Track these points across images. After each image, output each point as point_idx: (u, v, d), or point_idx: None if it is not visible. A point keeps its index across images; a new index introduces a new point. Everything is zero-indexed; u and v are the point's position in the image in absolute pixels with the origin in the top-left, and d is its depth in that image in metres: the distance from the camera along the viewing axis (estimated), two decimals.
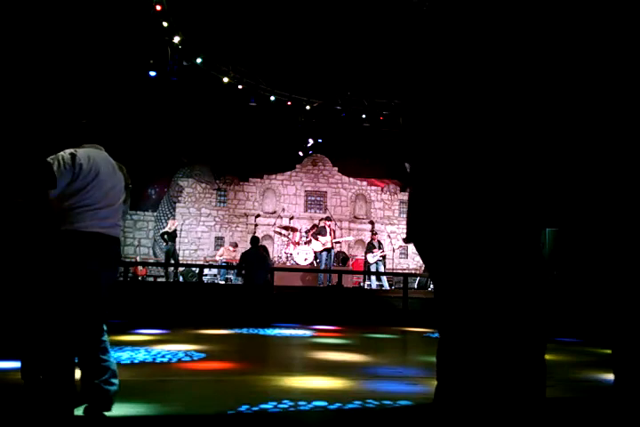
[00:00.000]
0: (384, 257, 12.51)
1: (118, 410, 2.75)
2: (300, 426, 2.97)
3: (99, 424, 2.65)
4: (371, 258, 12.13)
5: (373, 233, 12.88)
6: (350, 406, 3.19)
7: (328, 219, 12.64)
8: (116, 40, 9.71)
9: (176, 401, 3.20)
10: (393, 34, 10.23)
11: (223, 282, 12.39)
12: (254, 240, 9.30)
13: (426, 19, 1.42)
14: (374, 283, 12.11)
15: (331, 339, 6.88)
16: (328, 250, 11.75)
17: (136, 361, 4.46)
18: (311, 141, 15.26)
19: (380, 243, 12.51)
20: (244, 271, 8.90)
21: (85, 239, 2.58)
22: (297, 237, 12.85)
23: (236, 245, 13.52)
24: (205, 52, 12.53)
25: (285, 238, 14.41)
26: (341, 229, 15.59)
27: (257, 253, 8.95)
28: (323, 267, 11.71)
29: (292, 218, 15.38)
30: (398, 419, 3.08)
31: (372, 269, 12.15)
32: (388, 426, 2.99)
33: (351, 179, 16.64)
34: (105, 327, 2.76)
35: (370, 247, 12.38)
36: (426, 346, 6.60)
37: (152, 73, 11.12)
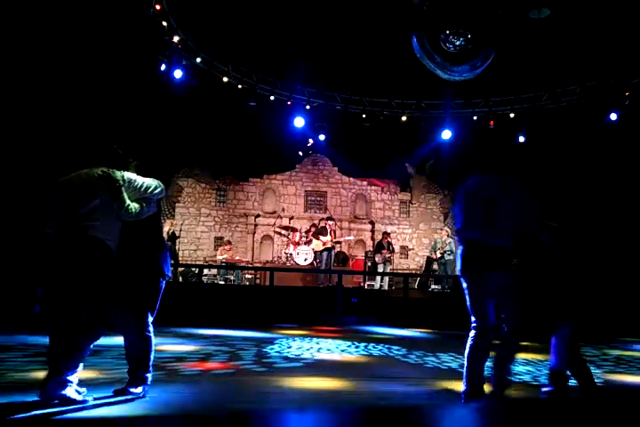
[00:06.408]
0: (390, 258, 12.65)
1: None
2: (301, 426, 2.96)
3: (98, 424, 2.64)
4: (379, 258, 12.33)
5: (386, 233, 13.03)
6: (350, 406, 3.18)
7: (329, 219, 12.66)
8: (114, 41, 9.67)
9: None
10: (394, 34, 10.20)
11: (223, 282, 12.37)
12: None
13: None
14: (378, 283, 12.21)
15: (330, 339, 6.87)
16: (328, 250, 11.77)
17: None
18: (311, 141, 15.21)
19: (389, 244, 12.63)
20: None
21: None
22: (297, 237, 12.83)
23: (229, 243, 13.45)
24: (205, 52, 12.50)
25: (285, 238, 14.40)
26: (341, 229, 15.55)
27: None
28: (323, 267, 11.71)
29: (291, 218, 15.36)
30: (399, 419, 3.07)
31: (380, 269, 12.29)
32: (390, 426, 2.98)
33: (351, 179, 16.60)
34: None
35: (379, 247, 12.49)
36: (427, 346, 6.59)
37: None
